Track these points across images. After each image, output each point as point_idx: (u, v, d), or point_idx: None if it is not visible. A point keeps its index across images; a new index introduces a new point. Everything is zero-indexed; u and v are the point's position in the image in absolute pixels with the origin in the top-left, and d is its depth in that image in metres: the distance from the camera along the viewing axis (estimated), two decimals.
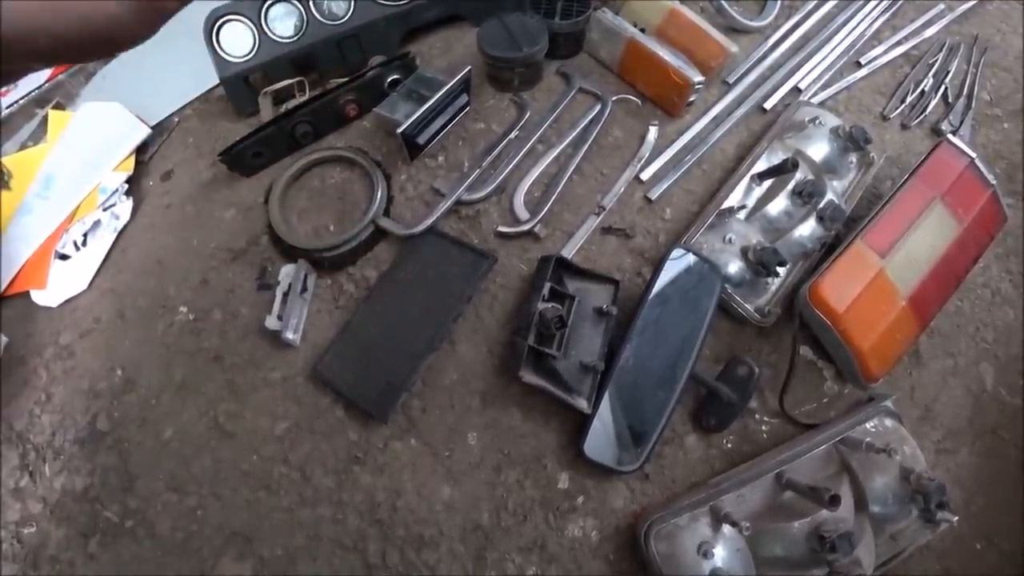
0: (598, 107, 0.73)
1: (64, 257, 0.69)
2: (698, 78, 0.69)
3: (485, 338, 0.62)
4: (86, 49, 0.29)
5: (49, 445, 0.61)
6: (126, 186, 0.72)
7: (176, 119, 0.78)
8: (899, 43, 0.84)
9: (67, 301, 0.67)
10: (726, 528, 0.52)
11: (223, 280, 0.66)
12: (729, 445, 0.60)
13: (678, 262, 0.57)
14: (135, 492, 0.58)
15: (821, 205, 0.63)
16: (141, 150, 0.75)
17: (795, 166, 0.62)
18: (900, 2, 0.88)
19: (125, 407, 0.61)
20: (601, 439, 0.56)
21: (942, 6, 0.89)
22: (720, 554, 0.51)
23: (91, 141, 0.73)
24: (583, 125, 0.71)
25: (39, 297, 0.67)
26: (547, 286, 0.56)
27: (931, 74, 0.81)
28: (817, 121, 0.68)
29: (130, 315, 0.65)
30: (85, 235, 0.69)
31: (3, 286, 0.67)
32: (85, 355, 0.64)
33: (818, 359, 0.64)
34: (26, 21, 0.27)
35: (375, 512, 0.56)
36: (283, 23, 0.71)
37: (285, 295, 0.62)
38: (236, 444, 0.59)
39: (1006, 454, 0.63)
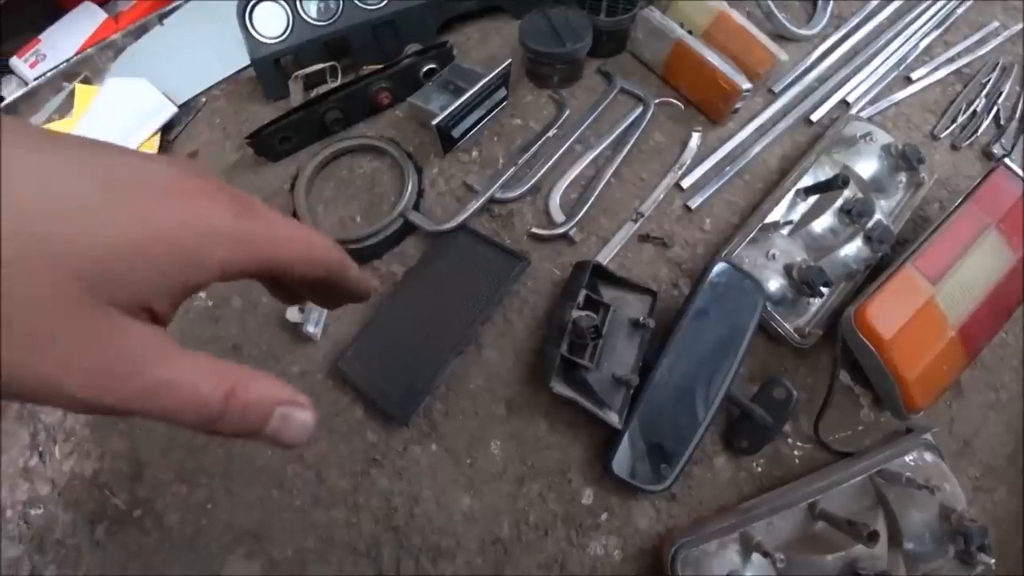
0: (639, 109, 0.70)
1: None
2: (746, 85, 0.66)
3: (513, 343, 0.60)
4: None
5: (60, 426, 0.59)
6: None
7: (204, 99, 0.76)
8: (951, 60, 0.82)
9: None
10: (755, 557, 0.50)
11: None
12: (759, 469, 0.58)
13: (720, 276, 0.55)
14: (144, 481, 0.56)
15: (870, 225, 0.60)
16: (167, 129, 0.73)
17: (845, 183, 0.60)
18: (953, 18, 0.85)
19: None
20: (629, 456, 0.53)
21: (997, 24, 0.86)
22: None
23: (117, 117, 0.70)
24: (623, 127, 0.69)
25: None
26: (583, 293, 0.54)
27: (983, 94, 0.78)
28: (868, 137, 0.65)
29: None
30: None
31: None
32: None
33: (855, 384, 0.61)
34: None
35: (391, 518, 0.54)
36: (318, 6, 0.69)
37: None
38: None
39: None
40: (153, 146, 0.70)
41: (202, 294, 0.63)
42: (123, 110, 0.71)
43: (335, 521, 0.54)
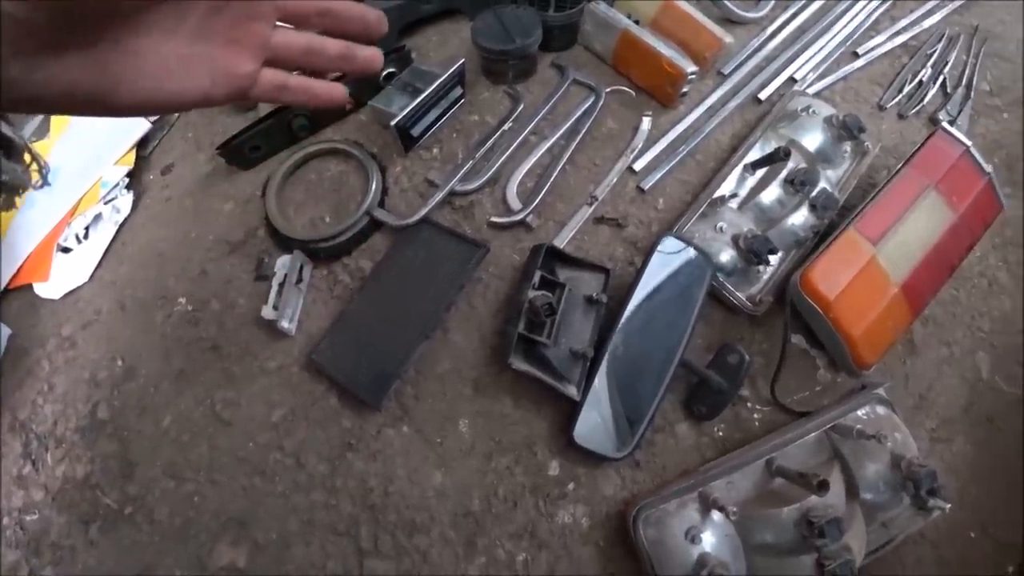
0: (592, 98, 0.73)
1: (66, 250, 0.70)
2: (691, 68, 0.69)
3: (478, 327, 0.62)
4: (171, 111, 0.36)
5: (51, 434, 0.62)
6: (127, 180, 0.73)
7: (176, 114, 0.79)
8: (897, 33, 0.84)
9: (69, 293, 0.68)
10: (715, 514, 0.52)
11: (221, 271, 0.67)
12: (720, 433, 0.60)
13: (668, 250, 0.58)
14: (134, 479, 0.59)
15: (814, 194, 0.63)
16: (142, 144, 0.76)
17: (787, 155, 0.62)
18: None
19: (125, 396, 0.62)
20: (591, 426, 0.56)
21: None
22: (708, 539, 0.51)
23: (93, 136, 0.74)
24: (576, 116, 0.72)
25: (42, 290, 0.68)
26: (537, 274, 0.57)
27: (929, 64, 0.81)
28: (811, 110, 0.68)
29: (130, 306, 0.66)
30: (87, 228, 0.71)
31: (7, 280, 0.69)
32: (86, 346, 0.65)
33: (811, 347, 0.63)
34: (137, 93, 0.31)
35: (367, 498, 0.57)
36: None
37: (281, 285, 0.63)
38: (233, 431, 0.60)
39: (1002, 443, 0.62)
40: (129, 162, 0.73)
41: (182, 299, 0.66)
42: (99, 129, 0.74)
43: (315, 504, 0.57)
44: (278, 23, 0.35)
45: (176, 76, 0.31)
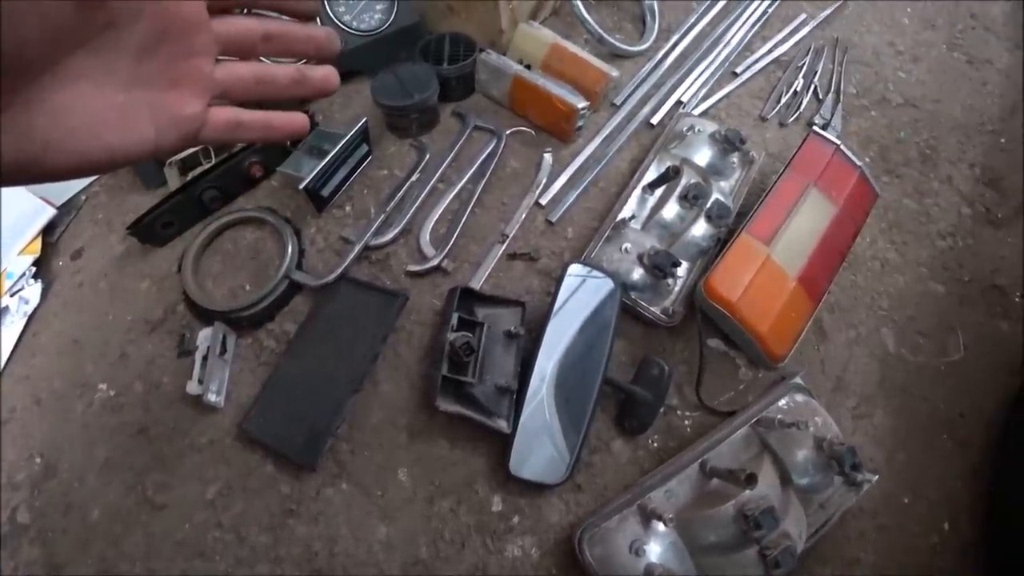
0: (494, 142, 0.76)
1: None
2: (582, 104, 0.73)
3: (406, 374, 0.63)
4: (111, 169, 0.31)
5: None
6: (33, 269, 0.71)
7: (84, 196, 0.78)
8: (770, 51, 0.92)
9: None
10: (656, 524, 0.53)
11: (142, 352, 0.66)
12: (655, 444, 0.62)
13: (576, 277, 0.60)
14: None
15: (708, 205, 0.67)
16: (48, 231, 0.75)
17: (677, 172, 0.66)
18: (768, 14, 0.96)
19: (47, 495, 0.60)
20: (527, 456, 0.57)
21: (805, 15, 0.97)
22: (653, 549, 0.52)
23: None
24: (481, 160, 0.75)
25: None
26: (455, 316, 0.58)
27: (801, 75, 0.89)
28: (695, 129, 0.73)
29: (46, 399, 0.64)
30: None
31: None
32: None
33: (729, 349, 0.67)
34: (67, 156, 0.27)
35: (313, 562, 0.55)
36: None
37: (205, 359, 0.62)
38: (167, 515, 0.58)
39: (918, 409, 0.67)
40: (36, 250, 0.72)
41: (103, 385, 0.64)
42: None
43: None
44: (221, 56, 0.33)
45: (115, 129, 0.29)
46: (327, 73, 0.37)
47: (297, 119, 0.37)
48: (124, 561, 0.57)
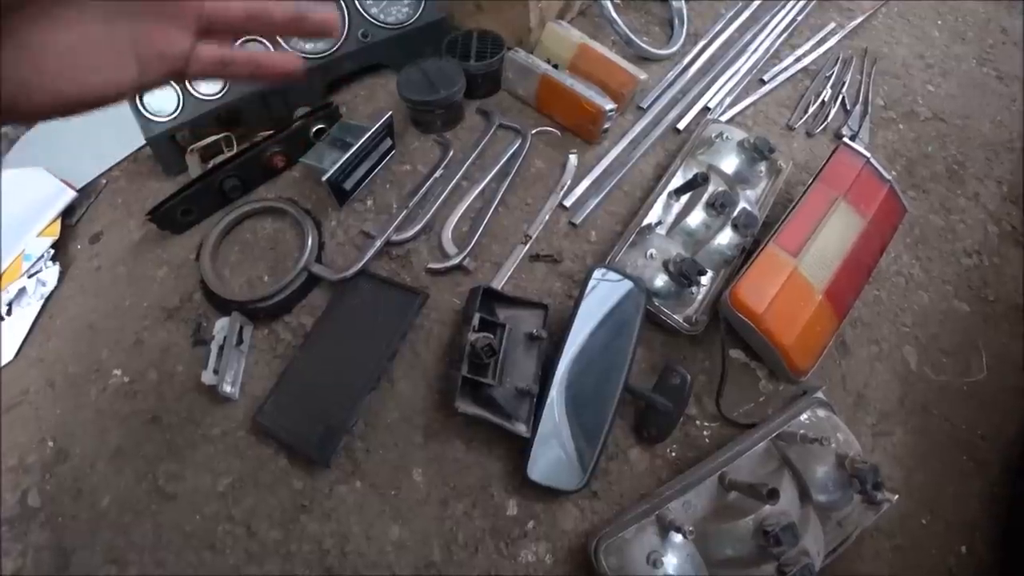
0: (519, 141, 0.76)
1: None
2: (609, 106, 0.72)
3: (423, 374, 0.62)
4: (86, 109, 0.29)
5: None
6: (52, 251, 0.71)
7: (104, 180, 0.78)
8: (798, 59, 0.91)
9: None
10: (674, 535, 0.52)
11: (157, 339, 0.65)
12: (673, 454, 0.61)
13: (601, 282, 0.59)
14: (71, 569, 0.55)
15: (735, 214, 0.66)
16: (68, 213, 0.74)
17: (705, 180, 0.66)
18: (796, 23, 0.95)
19: (58, 479, 0.59)
20: (545, 462, 0.56)
21: (834, 24, 0.96)
22: (670, 561, 0.51)
23: (13, 208, 0.72)
24: (505, 159, 0.74)
25: None
26: (477, 317, 0.58)
27: (829, 85, 0.88)
28: (724, 136, 0.72)
29: (60, 383, 0.64)
30: (10, 304, 0.68)
31: None
32: (13, 429, 0.62)
33: (750, 360, 0.66)
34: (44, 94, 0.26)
35: (324, 560, 0.55)
36: (207, 80, 0.73)
37: (220, 349, 0.61)
38: (177, 505, 0.57)
39: (938, 429, 0.66)
40: (55, 232, 0.72)
41: (117, 371, 0.64)
42: (20, 199, 0.72)
43: (269, 574, 0.54)
44: None
45: (96, 66, 0.27)
46: (327, 15, 0.34)
47: (288, 59, 0.35)
48: (132, 550, 0.56)
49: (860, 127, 0.83)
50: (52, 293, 0.69)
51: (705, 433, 0.62)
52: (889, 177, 0.70)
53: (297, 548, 0.55)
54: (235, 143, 0.74)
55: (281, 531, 0.56)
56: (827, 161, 0.69)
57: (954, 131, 0.86)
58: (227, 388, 0.60)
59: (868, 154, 0.70)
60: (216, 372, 0.60)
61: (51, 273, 0.70)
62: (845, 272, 0.64)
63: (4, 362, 0.65)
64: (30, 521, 0.57)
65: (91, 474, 0.59)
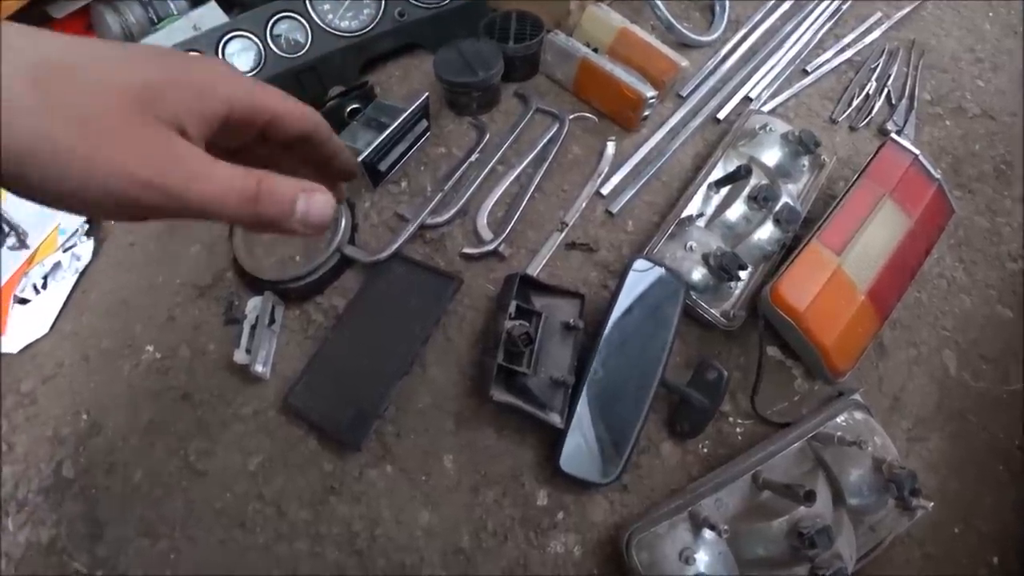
0: (556, 126, 0.74)
1: (23, 301, 0.67)
2: (650, 92, 0.71)
3: (456, 360, 0.62)
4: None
5: (12, 498, 0.59)
6: (86, 226, 0.71)
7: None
8: (842, 50, 0.88)
9: (27, 347, 0.65)
10: (706, 532, 0.52)
11: (189, 317, 0.65)
12: (705, 450, 0.60)
13: (641, 273, 0.58)
14: (104, 540, 0.56)
15: (777, 208, 0.65)
16: None
17: (748, 172, 0.64)
18: (841, 11, 0.92)
19: (91, 452, 0.59)
20: (577, 453, 0.56)
21: (880, 14, 0.93)
22: (702, 559, 0.51)
23: None
24: (542, 144, 0.73)
25: None
26: (513, 304, 0.57)
27: (874, 78, 0.85)
28: (767, 128, 0.70)
29: (94, 357, 0.64)
30: (45, 278, 0.68)
31: None
32: (48, 401, 0.62)
33: (787, 358, 0.65)
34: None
35: (354, 543, 0.55)
36: (241, 58, 0.72)
37: (253, 328, 0.61)
38: (208, 482, 0.58)
39: (975, 436, 0.64)
40: None
41: (150, 347, 0.64)
42: None
43: (299, 553, 0.55)
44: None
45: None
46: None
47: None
48: (163, 525, 0.56)
49: (905, 122, 0.80)
50: (86, 268, 0.69)
51: (738, 430, 0.61)
52: (937, 175, 0.68)
53: (327, 530, 0.55)
54: None
55: (311, 512, 0.56)
56: (873, 156, 0.67)
57: (1003, 129, 0.84)
58: (259, 368, 0.60)
59: (917, 151, 0.68)
60: (248, 351, 0.60)
61: (86, 248, 0.70)
62: (889, 273, 0.62)
63: (40, 335, 0.65)
64: (64, 492, 0.58)
65: (123, 448, 0.59)
